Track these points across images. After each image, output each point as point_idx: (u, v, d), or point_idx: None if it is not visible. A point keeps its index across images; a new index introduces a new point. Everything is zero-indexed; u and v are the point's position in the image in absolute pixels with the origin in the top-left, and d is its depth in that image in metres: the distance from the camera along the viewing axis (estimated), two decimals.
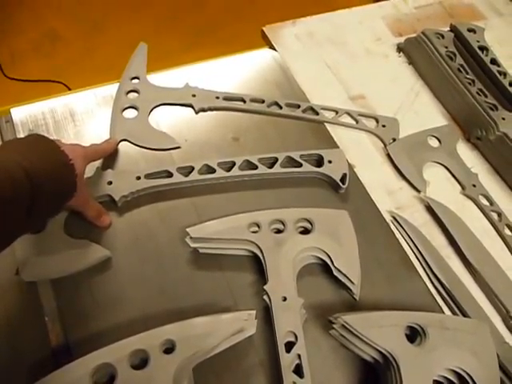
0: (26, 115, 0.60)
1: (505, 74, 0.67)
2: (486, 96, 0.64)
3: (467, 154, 0.65)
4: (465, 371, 0.42)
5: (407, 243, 0.56)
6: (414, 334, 0.44)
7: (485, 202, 0.60)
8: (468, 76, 0.65)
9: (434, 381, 0.42)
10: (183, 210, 0.54)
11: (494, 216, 0.59)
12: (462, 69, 0.66)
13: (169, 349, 0.40)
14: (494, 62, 0.67)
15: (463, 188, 0.61)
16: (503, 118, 0.61)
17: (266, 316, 0.47)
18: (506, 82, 0.65)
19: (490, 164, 0.64)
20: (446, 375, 0.42)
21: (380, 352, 0.43)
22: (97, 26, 1.72)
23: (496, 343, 0.46)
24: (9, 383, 0.43)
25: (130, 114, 0.61)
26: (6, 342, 0.45)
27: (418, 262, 0.55)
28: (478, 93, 0.64)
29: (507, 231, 0.58)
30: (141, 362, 0.40)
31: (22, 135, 0.58)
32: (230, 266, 0.51)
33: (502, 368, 0.47)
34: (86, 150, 0.49)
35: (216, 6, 1.81)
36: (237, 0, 1.83)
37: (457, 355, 0.43)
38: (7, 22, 1.69)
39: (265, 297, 0.47)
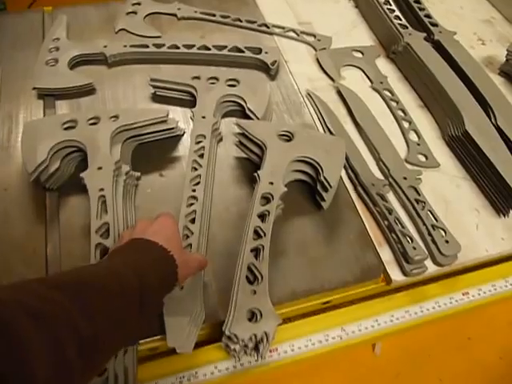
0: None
1: (423, 9, 0.84)
2: (400, 19, 0.81)
3: (385, 67, 0.81)
4: (315, 160, 0.58)
5: (315, 112, 0.73)
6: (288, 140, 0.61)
7: (388, 94, 0.76)
8: (390, 6, 0.83)
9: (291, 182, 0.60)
10: (151, 71, 0.75)
11: (393, 103, 0.75)
12: (386, 2, 0.84)
13: (114, 116, 0.61)
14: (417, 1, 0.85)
15: (372, 83, 0.77)
16: (410, 34, 0.78)
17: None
18: (421, 14, 0.82)
19: (401, 72, 0.80)
20: (300, 159, 0.59)
21: (259, 146, 0.61)
22: None
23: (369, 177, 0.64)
24: None
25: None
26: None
27: (321, 127, 0.72)
28: (394, 17, 0.81)
29: (400, 112, 0.73)
30: (96, 121, 0.61)
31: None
32: (176, 103, 0.71)
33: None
34: (179, 239, 0.49)
35: None
36: None
37: (312, 150, 0.59)
38: None
39: (191, 115, 0.66)
